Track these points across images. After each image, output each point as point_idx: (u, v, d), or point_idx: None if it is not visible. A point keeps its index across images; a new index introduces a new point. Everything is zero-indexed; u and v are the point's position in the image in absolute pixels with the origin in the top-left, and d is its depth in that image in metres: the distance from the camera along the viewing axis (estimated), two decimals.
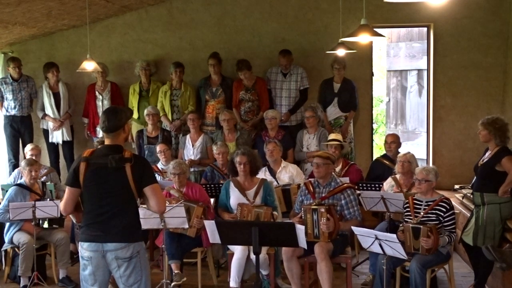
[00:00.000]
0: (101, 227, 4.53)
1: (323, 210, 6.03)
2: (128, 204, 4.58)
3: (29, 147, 8.09)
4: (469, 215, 6.70)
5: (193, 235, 6.64)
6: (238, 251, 6.39)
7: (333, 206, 6.19)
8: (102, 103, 9.22)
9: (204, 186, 7.38)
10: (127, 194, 4.55)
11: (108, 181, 4.53)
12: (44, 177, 7.83)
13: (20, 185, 7.23)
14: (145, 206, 4.88)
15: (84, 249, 4.58)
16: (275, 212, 6.67)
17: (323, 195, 6.39)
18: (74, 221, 5.48)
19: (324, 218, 6.00)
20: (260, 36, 9.51)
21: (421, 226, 5.90)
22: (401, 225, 6.22)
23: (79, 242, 4.67)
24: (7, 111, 9.14)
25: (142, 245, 4.66)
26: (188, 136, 8.68)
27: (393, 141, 8.06)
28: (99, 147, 4.89)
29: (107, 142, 4.65)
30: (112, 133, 4.59)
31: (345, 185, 6.48)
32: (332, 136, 8.17)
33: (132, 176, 4.51)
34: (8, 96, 9.08)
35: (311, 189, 6.46)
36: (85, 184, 4.57)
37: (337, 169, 7.88)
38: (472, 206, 6.69)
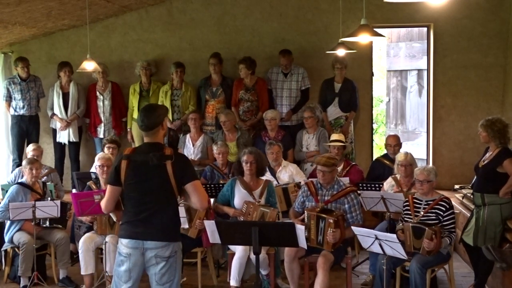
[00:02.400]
0: (142, 224, 4.55)
1: (331, 221, 5.93)
2: (169, 202, 4.60)
3: (31, 147, 8.10)
4: (469, 215, 6.70)
5: (194, 236, 6.64)
6: (238, 251, 6.39)
7: (342, 216, 6.10)
8: (103, 103, 9.23)
9: (203, 185, 7.36)
10: (168, 192, 4.57)
11: (149, 178, 4.56)
12: (45, 177, 7.83)
13: (21, 183, 7.23)
14: (182, 204, 4.85)
15: (124, 246, 4.59)
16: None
17: (326, 198, 6.37)
18: (114, 219, 5.48)
19: (332, 229, 5.92)
20: (260, 36, 9.51)
21: (426, 228, 5.87)
22: (400, 224, 6.22)
23: (119, 238, 4.68)
24: (15, 110, 9.15)
25: (180, 245, 4.69)
26: (188, 136, 8.68)
27: (397, 144, 8.05)
28: (140, 145, 4.90)
29: (146, 140, 4.67)
30: (151, 131, 4.61)
31: (349, 188, 6.45)
32: (334, 136, 8.17)
33: (173, 173, 4.52)
34: (17, 96, 9.09)
35: (314, 190, 6.45)
36: (127, 181, 4.59)
37: (339, 169, 7.88)
38: (472, 206, 6.69)
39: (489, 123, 6.23)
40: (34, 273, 6.90)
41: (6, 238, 7.14)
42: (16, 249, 7.07)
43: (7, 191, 7.29)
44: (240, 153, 7.05)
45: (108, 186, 4.71)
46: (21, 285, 6.99)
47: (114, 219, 5.37)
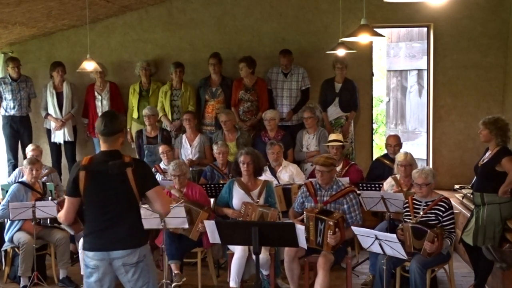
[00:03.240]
0: (105, 235, 4.51)
1: (331, 223, 5.91)
2: (131, 209, 4.56)
3: (30, 147, 8.10)
4: (469, 215, 6.70)
5: (196, 239, 6.65)
6: (238, 251, 6.39)
7: (342, 218, 6.08)
8: (102, 103, 9.23)
9: (203, 186, 7.37)
10: (130, 199, 4.52)
11: (110, 188, 4.49)
12: (45, 177, 7.83)
13: (22, 182, 7.23)
14: (146, 206, 4.86)
15: (90, 258, 4.54)
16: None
17: (325, 198, 6.36)
18: (72, 233, 5.43)
19: (331, 231, 5.91)
20: (260, 36, 9.51)
21: (427, 230, 5.86)
22: (400, 224, 6.22)
23: (84, 251, 4.63)
24: (6, 111, 9.14)
25: (147, 248, 4.66)
26: (184, 136, 8.67)
27: (397, 144, 8.04)
28: (96, 154, 4.82)
29: (104, 147, 4.58)
30: (112, 137, 4.54)
31: (348, 189, 6.45)
32: (332, 136, 8.16)
33: (135, 180, 4.48)
34: (7, 96, 9.08)
35: (312, 190, 6.45)
36: (87, 192, 4.52)
37: (338, 169, 7.87)
38: (472, 206, 6.68)
39: (491, 121, 6.22)
40: (34, 273, 6.90)
41: (6, 238, 7.15)
42: (16, 249, 7.08)
43: (7, 191, 7.30)
44: (238, 153, 7.05)
45: (67, 198, 4.61)
46: (21, 285, 6.99)
47: (72, 233, 5.30)
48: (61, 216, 4.68)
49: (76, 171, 4.54)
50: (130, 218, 4.55)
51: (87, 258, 4.57)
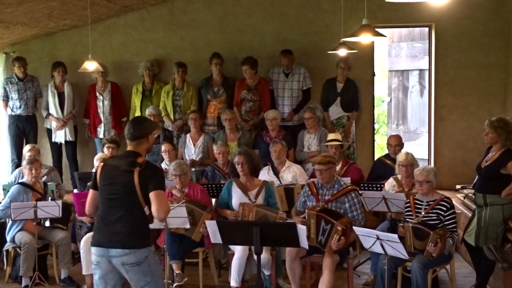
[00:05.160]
0: (106, 232, 4.60)
1: (339, 228, 5.87)
2: (133, 210, 4.60)
3: (27, 147, 8.11)
4: (470, 215, 6.69)
5: (198, 240, 6.65)
6: (238, 251, 6.39)
7: (351, 224, 6.01)
8: (103, 103, 9.24)
9: (205, 186, 7.37)
10: (132, 199, 4.57)
11: (116, 182, 4.61)
12: (45, 176, 7.83)
13: (22, 183, 7.24)
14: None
15: (93, 253, 4.67)
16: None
17: (327, 197, 6.36)
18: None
19: (338, 236, 5.88)
20: (262, 36, 9.51)
21: (428, 230, 5.84)
22: (401, 225, 6.21)
23: (90, 246, 4.75)
24: (12, 110, 9.17)
25: (150, 249, 4.70)
26: (188, 136, 8.68)
27: (398, 144, 8.04)
28: (120, 152, 5.01)
29: (129, 148, 4.74)
30: (134, 141, 4.69)
31: (349, 187, 6.44)
32: (331, 136, 8.16)
33: (139, 180, 4.54)
34: (14, 95, 9.10)
35: (315, 190, 6.45)
36: (100, 185, 4.69)
37: (337, 168, 7.87)
38: (474, 206, 6.68)
39: (501, 124, 6.13)
40: (36, 273, 6.91)
41: (8, 238, 7.15)
42: (18, 249, 7.08)
43: (8, 191, 7.30)
44: (232, 154, 7.06)
45: (89, 190, 4.85)
46: (23, 285, 7.00)
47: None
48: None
49: (98, 163, 4.76)
50: (131, 218, 4.59)
51: (92, 254, 4.70)
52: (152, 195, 4.55)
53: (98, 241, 4.64)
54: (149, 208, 4.57)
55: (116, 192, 4.59)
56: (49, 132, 9.35)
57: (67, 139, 9.24)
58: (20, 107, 9.13)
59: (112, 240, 4.56)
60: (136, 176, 4.54)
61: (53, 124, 9.22)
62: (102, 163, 4.73)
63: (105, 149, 7.99)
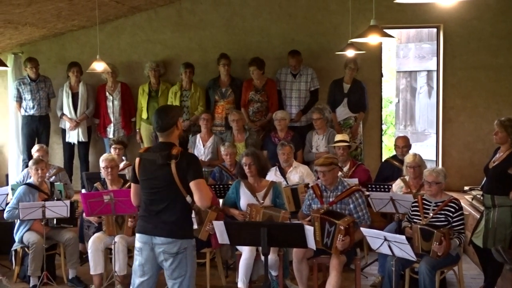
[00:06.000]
0: (152, 220, 4.73)
1: (342, 228, 5.85)
2: (175, 201, 4.71)
3: (35, 147, 8.14)
4: (478, 216, 6.67)
5: (205, 238, 6.64)
6: (245, 252, 6.38)
7: (353, 222, 6.02)
8: (113, 103, 9.26)
9: (212, 186, 7.38)
10: (173, 191, 4.69)
11: (156, 177, 4.72)
12: (53, 177, 7.86)
13: (28, 184, 7.26)
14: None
15: (137, 240, 4.80)
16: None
17: (331, 199, 6.35)
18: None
19: (341, 236, 5.87)
20: (269, 37, 9.51)
21: (434, 231, 5.82)
22: (408, 225, 6.19)
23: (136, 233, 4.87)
24: (25, 111, 9.21)
25: (191, 242, 4.80)
26: (198, 136, 8.70)
27: (405, 145, 8.02)
28: (154, 145, 5.10)
29: (161, 139, 4.82)
30: (165, 132, 4.75)
31: (353, 188, 6.43)
32: (338, 137, 8.15)
33: (177, 172, 4.64)
34: (27, 96, 9.15)
35: (319, 192, 6.44)
36: (140, 178, 4.82)
37: (345, 169, 7.88)
38: (482, 208, 6.66)
39: (511, 123, 6.15)
40: (44, 273, 6.92)
41: (16, 238, 7.17)
42: (26, 249, 7.10)
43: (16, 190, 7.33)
44: (240, 155, 7.05)
45: (131, 184, 4.98)
46: (31, 284, 7.02)
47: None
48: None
49: (136, 158, 4.84)
50: (174, 209, 4.71)
51: (136, 240, 4.83)
52: (192, 185, 4.65)
53: (143, 228, 4.76)
54: (191, 197, 4.69)
55: (158, 186, 4.71)
56: (63, 132, 9.39)
57: (80, 140, 9.26)
58: (33, 107, 9.17)
59: (157, 228, 4.69)
60: (173, 168, 4.63)
61: (67, 124, 9.26)
62: (138, 158, 4.81)
63: (112, 150, 8.00)
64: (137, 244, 4.80)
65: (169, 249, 4.67)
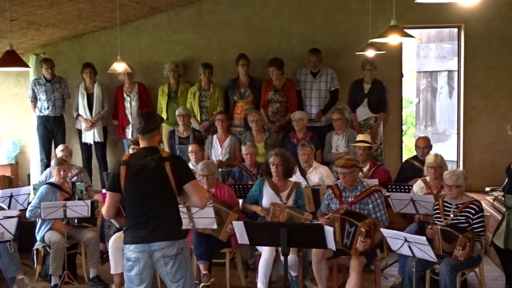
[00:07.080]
0: (145, 227, 4.68)
1: (363, 230, 5.83)
2: (170, 202, 4.74)
3: (60, 147, 8.22)
4: (500, 217, 6.62)
5: (225, 240, 6.65)
6: (265, 252, 6.39)
7: (374, 225, 6.00)
8: (130, 104, 9.30)
9: (232, 186, 7.39)
10: (168, 192, 4.71)
11: (149, 181, 4.69)
12: (75, 177, 7.92)
13: (51, 183, 7.32)
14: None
15: (131, 251, 4.71)
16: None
17: (350, 199, 6.34)
18: (117, 226, 5.66)
19: (362, 237, 5.85)
20: (289, 37, 9.51)
21: (458, 234, 5.76)
22: (429, 226, 6.16)
23: (125, 245, 4.78)
24: (40, 111, 9.28)
25: (185, 241, 4.84)
26: (215, 136, 8.71)
27: (426, 146, 7.96)
28: (136, 150, 5.04)
29: (142, 144, 4.80)
30: (148, 134, 4.75)
31: (372, 188, 6.41)
32: (360, 137, 8.13)
33: (172, 174, 4.67)
34: (42, 96, 9.22)
35: (338, 192, 6.43)
36: (127, 187, 4.71)
37: (365, 169, 7.85)
38: (503, 209, 6.60)
39: None
40: (65, 272, 6.98)
41: (38, 237, 7.23)
42: (47, 248, 7.16)
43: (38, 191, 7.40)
44: (268, 154, 7.06)
45: (108, 193, 4.83)
46: (52, 283, 7.07)
47: (117, 226, 5.44)
48: (102, 211, 4.90)
49: (117, 166, 4.76)
50: (169, 211, 4.73)
51: (128, 252, 4.73)
52: (189, 186, 4.70)
53: (137, 238, 4.69)
54: (183, 198, 4.74)
55: (152, 190, 4.68)
56: (80, 132, 9.45)
57: (96, 140, 9.32)
58: (48, 108, 9.24)
59: (152, 235, 4.66)
60: (168, 170, 4.66)
61: (83, 125, 9.32)
62: (125, 166, 4.70)
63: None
64: (133, 255, 4.69)
65: (168, 252, 4.66)
